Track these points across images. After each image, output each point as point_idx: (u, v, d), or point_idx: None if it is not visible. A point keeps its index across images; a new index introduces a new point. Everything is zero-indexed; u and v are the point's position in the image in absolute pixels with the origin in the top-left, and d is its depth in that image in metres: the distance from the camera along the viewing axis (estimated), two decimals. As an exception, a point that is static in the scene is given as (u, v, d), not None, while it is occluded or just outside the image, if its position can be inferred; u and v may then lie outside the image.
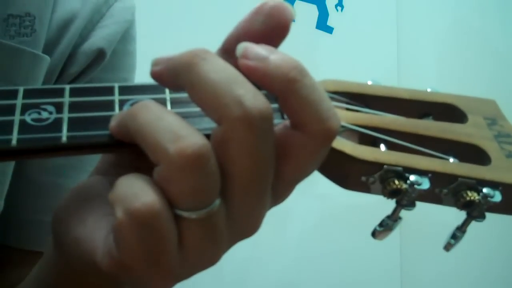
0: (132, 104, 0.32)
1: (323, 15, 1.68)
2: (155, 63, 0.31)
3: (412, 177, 0.35)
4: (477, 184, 0.35)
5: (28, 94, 0.32)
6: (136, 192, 0.27)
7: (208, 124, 0.29)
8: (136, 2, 0.61)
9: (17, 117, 0.31)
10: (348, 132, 0.37)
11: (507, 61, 1.85)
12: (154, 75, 0.31)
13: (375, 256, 1.58)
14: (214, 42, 0.35)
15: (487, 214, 0.37)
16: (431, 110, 0.40)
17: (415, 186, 0.35)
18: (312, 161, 0.31)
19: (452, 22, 1.83)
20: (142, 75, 0.61)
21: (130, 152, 0.31)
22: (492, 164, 0.37)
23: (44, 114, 0.31)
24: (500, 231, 1.63)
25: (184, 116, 0.29)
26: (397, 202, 0.36)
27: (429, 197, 0.36)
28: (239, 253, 1.51)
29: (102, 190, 0.33)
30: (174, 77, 0.29)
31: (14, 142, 0.30)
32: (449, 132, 0.38)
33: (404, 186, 0.35)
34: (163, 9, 1.46)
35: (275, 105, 0.32)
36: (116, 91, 0.32)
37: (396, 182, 0.35)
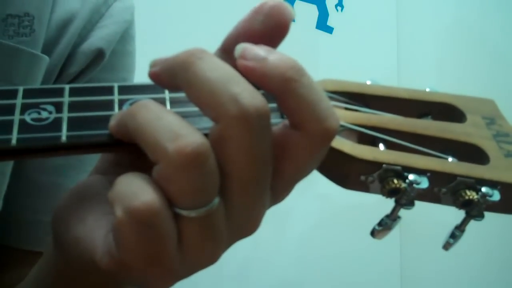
0: (131, 104, 0.32)
1: (323, 15, 1.68)
2: (153, 64, 0.31)
3: (411, 176, 0.35)
4: (476, 183, 0.36)
5: (27, 94, 0.32)
6: (136, 190, 0.27)
7: (207, 123, 0.29)
8: (135, 2, 0.61)
9: (16, 117, 0.31)
10: (347, 132, 0.37)
11: (507, 61, 1.85)
12: (152, 76, 0.31)
13: (375, 256, 1.58)
14: (213, 41, 0.35)
15: (486, 213, 0.37)
16: (430, 110, 0.40)
17: (414, 185, 0.35)
18: (311, 161, 0.31)
19: (452, 22, 1.83)
20: (141, 75, 0.62)
21: (130, 152, 0.31)
22: (490, 163, 0.37)
23: (44, 114, 0.31)
24: (499, 230, 1.63)
25: (183, 116, 0.29)
26: (396, 201, 0.36)
27: (428, 196, 0.36)
28: (240, 253, 1.52)
29: (101, 189, 0.33)
30: (172, 77, 0.30)
31: (13, 141, 0.30)
32: (448, 132, 0.38)
33: (403, 185, 0.35)
34: (162, 9, 1.46)
35: (274, 105, 0.32)
36: (116, 90, 0.32)
37: (395, 181, 0.35)
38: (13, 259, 0.57)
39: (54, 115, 0.31)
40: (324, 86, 0.39)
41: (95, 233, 0.31)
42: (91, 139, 0.31)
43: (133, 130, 0.29)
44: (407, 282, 1.73)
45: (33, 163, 0.56)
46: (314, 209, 1.60)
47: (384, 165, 0.35)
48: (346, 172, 0.36)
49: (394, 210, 0.37)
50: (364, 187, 0.36)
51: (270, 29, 0.32)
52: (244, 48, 0.30)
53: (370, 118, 0.38)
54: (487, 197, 0.35)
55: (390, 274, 1.71)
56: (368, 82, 0.40)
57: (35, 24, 0.52)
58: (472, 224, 0.37)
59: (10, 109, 0.31)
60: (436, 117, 0.40)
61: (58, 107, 0.31)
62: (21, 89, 0.32)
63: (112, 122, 0.31)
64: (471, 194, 0.35)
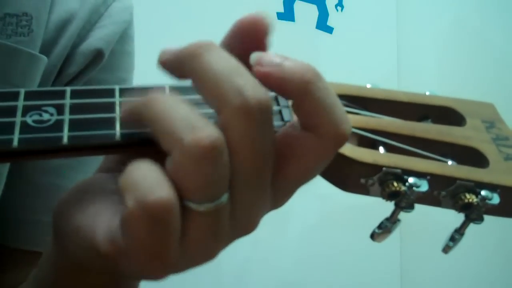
0: None
1: (323, 15, 1.68)
2: (162, 52, 0.32)
3: (411, 179, 0.35)
4: (475, 186, 0.36)
5: (29, 96, 0.32)
6: (152, 184, 0.27)
7: None
8: (134, 2, 0.61)
9: (18, 119, 0.31)
10: None
11: (507, 62, 1.85)
12: (161, 63, 0.31)
13: (375, 256, 1.58)
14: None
15: (486, 216, 0.37)
16: (429, 113, 0.41)
17: (414, 188, 0.35)
18: (319, 164, 0.31)
19: (452, 22, 1.83)
20: (140, 75, 0.62)
21: (132, 153, 0.31)
22: (490, 166, 0.37)
23: (45, 116, 0.31)
24: (499, 232, 1.63)
25: None
26: (396, 204, 0.36)
27: (428, 199, 0.36)
28: (239, 253, 1.52)
29: (104, 185, 0.33)
30: (180, 65, 0.30)
31: (15, 143, 0.30)
32: (448, 135, 0.38)
33: (403, 188, 0.35)
34: (160, 9, 1.46)
35: (276, 108, 0.32)
36: (117, 93, 0.33)
37: (395, 184, 0.35)
38: (12, 260, 0.57)
39: (55, 117, 0.31)
40: None
41: (96, 221, 0.31)
42: (93, 140, 0.31)
43: (148, 119, 0.29)
44: (407, 283, 1.73)
45: (32, 163, 0.56)
46: (314, 209, 1.60)
47: (384, 168, 0.35)
48: (346, 175, 0.36)
49: (394, 213, 0.37)
50: (364, 190, 0.36)
51: (249, 46, 0.32)
52: (260, 56, 0.30)
53: (370, 121, 0.38)
54: (487, 201, 0.35)
55: (390, 274, 1.71)
56: (368, 85, 0.41)
57: (33, 24, 0.52)
58: (472, 225, 0.37)
59: (11, 111, 0.31)
60: (435, 121, 0.40)
61: (60, 109, 0.31)
62: (22, 91, 0.32)
63: (125, 108, 0.31)
64: (471, 197, 0.35)
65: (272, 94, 0.31)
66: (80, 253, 0.32)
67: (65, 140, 0.30)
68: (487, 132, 0.40)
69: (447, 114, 0.41)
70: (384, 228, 0.37)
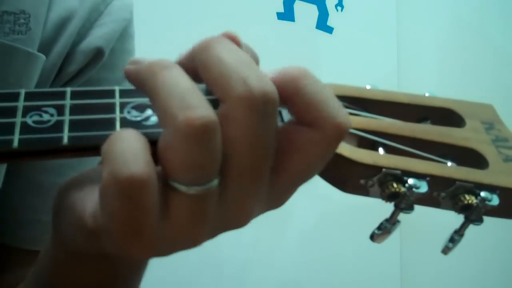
0: (133, 107, 0.32)
1: (323, 15, 1.68)
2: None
3: (411, 181, 0.35)
4: (475, 187, 0.36)
5: (29, 96, 0.32)
6: (128, 159, 0.27)
7: None
8: (134, 1, 0.61)
9: (18, 119, 0.31)
10: (347, 136, 0.37)
11: (507, 62, 1.85)
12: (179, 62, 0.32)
13: (375, 256, 1.58)
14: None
15: (485, 217, 0.37)
16: (429, 115, 0.41)
17: (413, 189, 0.35)
18: (320, 158, 0.31)
19: (452, 22, 1.83)
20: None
21: None
22: (489, 168, 0.37)
23: (46, 117, 0.31)
24: (499, 233, 1.64)
25: None
26: (395, 206, 0.36)
27: (427, 200, 0.36)
28: (240, 253, 1.52)
29: None
30: (191, 58, 0.31)
31: (15, 144, 0.30)
32: (447, 136, 0.39)
33: (403, 189, 0.35)
34: (160, 8, 1.46)
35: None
36: (117, 94, 0.33)
37: (395, 185, 0.35)
38: (12, 259, 0.57)
39: (55, 118, 0.31)
40: None
41: (88, 199, 0.31)
42: (93, 141, 0.31)
43: (149, 87, 0.29)
44: (407, 283, 1.73)
45: (32, 163, 0.56)
46: (314, 209, 1.60)
47: (383, 169, 0.35)
48: (346, 176, 0.36)
49: (394, 214, 0.37)
50: (363, 191, 0.36)
51: None
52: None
53: (370, 122, 0.38)
54: (486, 202, 0.35)
55: (390, 274, 1.71)
56: (368, 87, 0.41)
57: (31, 22, 0.52)
58: (472, 226, 0.38)
59: (12, 112, 0.31)
60: (435, 122, 0.40)
61: (60, 110, 0.31)
62: (22, 92, 0.32)
63: (131, 67, 0.31)
64: (470, 199, 0.35)
65: None
66: (72, 234, 0.32)
67: (65, 140, 0.30)
68: (487, 133, 0.40)
69: (446, 116, 0.41)
70: (384, 229, 0.37)
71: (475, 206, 0.35)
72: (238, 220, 0.31)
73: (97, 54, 0.56)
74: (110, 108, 0.32)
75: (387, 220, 0.37)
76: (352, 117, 0.38)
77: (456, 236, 0.38)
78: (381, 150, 0.37)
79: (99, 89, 0.33)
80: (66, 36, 0.54)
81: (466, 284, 1.79)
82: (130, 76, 0.31)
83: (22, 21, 0.51)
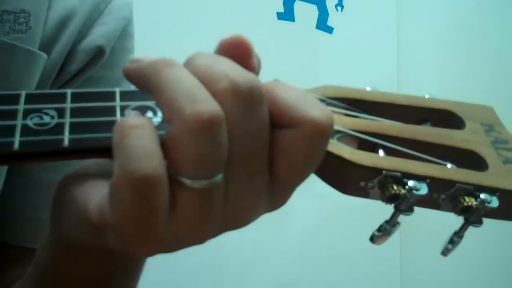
0: (134, 109, 0.32)
1: (323, 15, 1.68)
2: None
3: (411, 183, 0.35)
4: (475, 189, 0.36)
5: (30, 98, 0.32)
6: (142, 154, 0.27)
7: None
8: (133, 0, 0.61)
9: (19, 122, 0.31)
10: (347, 138, 0.37)
11: (507, 62, 1.85)
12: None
13: (375, 256, 1.58)
14: (212, 40, 0.35)
15: (485, 219, 0.37)
16: (429, 116, 0.41)
17: (413, 191, 0.35)
18: (308, 157, 0.31)
19: (452, 22, 1.83)
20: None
21: None
22: (489, 170, 0.37)
23: (46, 119, 0.31)
24: (498, 234, 1.63)
25: None
26: (395, 207, 0.36)
27: (427, 202, 0.36)
28: (240, 253, 1.52)
29: (108, 167, 0.33)
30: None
31: (16, 145, 0.30)
32: (447, 138, 0.39)
33: (403, 191, 0.35)
34: (159, 7, 1.46)
35: None
36: (117, 96, 0.33)
37: (395, 187, 0.35)
38: (12, 256, 0.57)
39: (56, 120, 0.31)
40: (324, 92, 0.39)
41: (91, 193, 0.31)
42: (93, 143, 0.31)
43: (153, 84, 0.29)
44: (407, 282, 1.73)
45: None
46: (314, 209, 1.60)
47: (383, 171, 0.35)
48: (346, 178, 0.36)
49: (394, 216, 0.37)
50: (364, 193, 0.36)
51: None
52: None
53: (370, 124, 0.38)
54: (486, 204, 0.35)
55: (390, 274, 1.71)
56: (368, 89, 0.41)
57: (31, 21, 0.52)
58: (471, 227, 0.38)
59: (12, 114, 0.31)
60: (435, 124, 0.40)
61: (60, 112, 0.32)
62: (23, 93, 0.32)
63: (131, 66, 0.31)
64: (470, 201, 0.35)
65: None
66: (73, 228, 0.32)
67: (66, 142, 0.30)
68: (486, 135, 0.40)
69: (446, 117, 0.41)
70: (384, 231, 0.37)
71: (475, 208, 0.35)
72: (240, 219, 0.31)
73: (98, 52, 0.56)
74: (111, 110, 0.32)
75: (387, 222, 0.37)
76: (352, 119, 0.38)
77: (455, 238, 0.38)
78: (381, 152, 0.37)
79: (100, 91, 0.33)
80: (67, 35, 0.54)
81: (466, 284, 1.79)
82: (131, 75, 0.31)
83: (22, 20, 0.51)
